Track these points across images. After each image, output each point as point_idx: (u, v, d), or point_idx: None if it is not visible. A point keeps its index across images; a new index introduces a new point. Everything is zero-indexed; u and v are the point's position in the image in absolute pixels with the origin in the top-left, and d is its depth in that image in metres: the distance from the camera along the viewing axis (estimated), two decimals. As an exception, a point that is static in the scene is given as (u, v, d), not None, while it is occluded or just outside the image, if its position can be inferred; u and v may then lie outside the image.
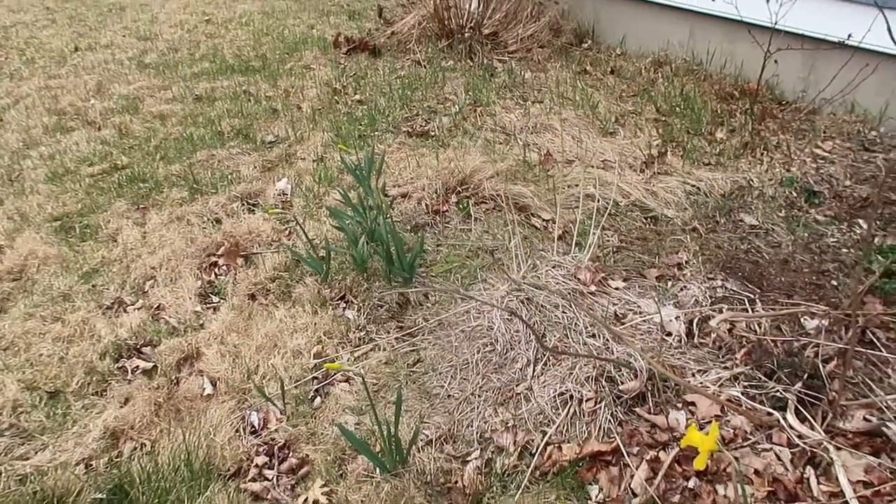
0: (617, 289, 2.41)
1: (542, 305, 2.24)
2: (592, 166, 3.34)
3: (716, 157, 3.44)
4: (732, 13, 4.01)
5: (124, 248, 2.72)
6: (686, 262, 2.64)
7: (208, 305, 2.43)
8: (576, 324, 2.19)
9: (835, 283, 2.51)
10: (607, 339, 2.12)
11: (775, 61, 3.57)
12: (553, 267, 2.44)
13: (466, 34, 4.81)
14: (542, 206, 2.92)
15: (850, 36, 3.24)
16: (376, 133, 3.62)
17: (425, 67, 4.49)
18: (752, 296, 2.46)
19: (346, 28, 5.36)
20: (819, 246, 2.79)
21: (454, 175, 2.97)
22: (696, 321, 2.28)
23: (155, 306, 2.43)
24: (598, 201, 3.03)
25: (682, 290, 2.47)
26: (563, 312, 2.22)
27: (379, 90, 4.13)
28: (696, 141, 3.61)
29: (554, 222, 2.85)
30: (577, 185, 3.16)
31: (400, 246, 2.36)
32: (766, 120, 3.75)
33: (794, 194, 3.15)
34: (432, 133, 3.58)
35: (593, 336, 2.15)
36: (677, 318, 2.29)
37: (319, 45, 4.95)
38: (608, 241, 2.72)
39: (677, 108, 3.94)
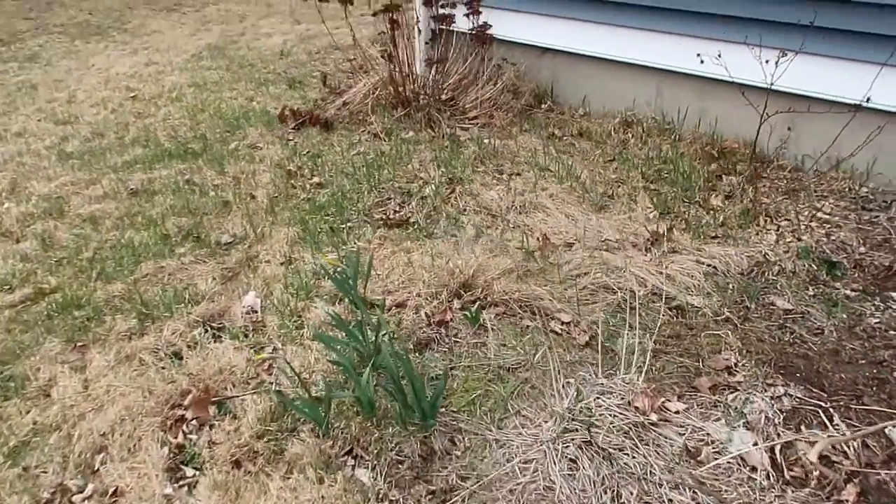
0: (677, 412, 2.02)
1: (604, 449, 1.81)
2: (595, 248, 2.98)
3: (720, 228, 3.14)
4: (708, 72, 3.79)
5: (62, 406, 2.13)
6: (736, 365, 2.28)
7: (181, 483, 1.89)
8: (650, 471, 1.77)
9: (898, 375, 2.20)
10: (694, 491, 1.71)
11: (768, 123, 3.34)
12: (602, 394, 2.03)
13: (423, 101, 4.44)
14: (559, 306, 2.52)
15: (868, 99, 3.02)
16: (347, 224, 3.15)
17: (385, 140, 4.08)
18: (822, 403, 2.11)
19: (288, 99, 4.89)
20: (864, 329, 2.49)
21: (454, 276, 2.54)
22: (778, 449, 1.90)
23: (111, 492, 1.86)
24: (617, 293, 2.65)
25: (744, 403, 2.10)
26: (632, 457, 1.80)
27: (339, 170, 3.68)
28: (695, 210, 3.32)
29: (577, 325, 2.45)
30: (586, 274, 2.78)
31: (417, 382, 1.89)
32: (758, 181, 3.50)
33: (815, 266, 2.87)
34: (412, 220, 3.14)
35: (677, 488, 1.73)
36: (755, 445, 1.91)
37: (263, 121, 4.46)
38: (642, 343, 2.34)
39: (664, 174, 3.66)
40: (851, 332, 2.49)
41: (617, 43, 4.20)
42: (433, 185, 3.43)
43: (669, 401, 2.07)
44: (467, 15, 4.33)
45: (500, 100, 4.60)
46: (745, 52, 3.34)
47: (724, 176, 3.66)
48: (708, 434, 1.95)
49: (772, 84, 3.18)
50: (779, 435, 1.95)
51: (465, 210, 3.26)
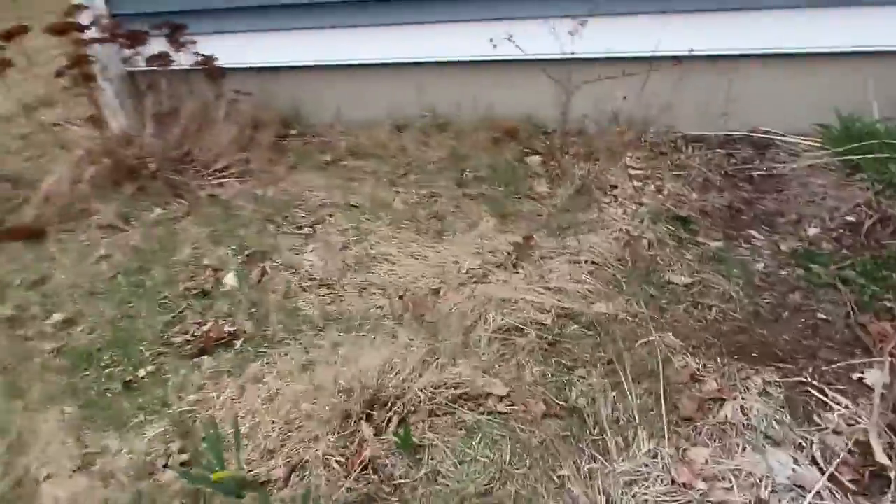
0: (706, 463, 1.65)
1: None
2: (465, 285, 2.50)
3: (566, 215, 2.87)
4: (460, 56, 3.49)
5: None
6: (699, 370, 2.00)
7: None
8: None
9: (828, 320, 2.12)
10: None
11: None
12: (632, 482, 1.57)
13: (153, 166, 3.47)
14: (482, 380, 1.99)
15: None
16: (146, 370, 2.23)
17: (128, 229, 3.07)
18: (801, 378, 1.93)
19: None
20: (760, 279, 2.40)
21: (353, 395, 1.86)
22: (824, 453, 1.65)
23: None
24: (528, 332, 2.21)
25: (742, 413, 1.82)
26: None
27: (87, 292, 2.65)
28: (530, 205, 3.01)
29: (518, 394, 1.96)
30: (476, 322, 2.29)
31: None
32: (563, 155, 3.31)
33: (672, 228, 2.74)
34: (235, 331, 2.33)
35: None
36: (786, 464, 1.63)
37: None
38: (610, 385, 1.94)
39: (472, 173, 3.29)
40: (753, 286, 2.37)
41: (361, 45, 3.68)
42: (233, 272, 2.60)
43: (687, 450, 1.69)
44: (174, 47, 3.43)
45: (244, 139, 3.79)
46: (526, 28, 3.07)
47: (525, 158, 3.41)
48: (751, 473, 1.61)
49: (572, 54, 2.95)
50: (806, 440, 1.69)
51: (292, 293, 2.52)
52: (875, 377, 1.87)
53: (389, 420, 1.87)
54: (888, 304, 2.20)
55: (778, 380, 1.92)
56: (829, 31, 3.13)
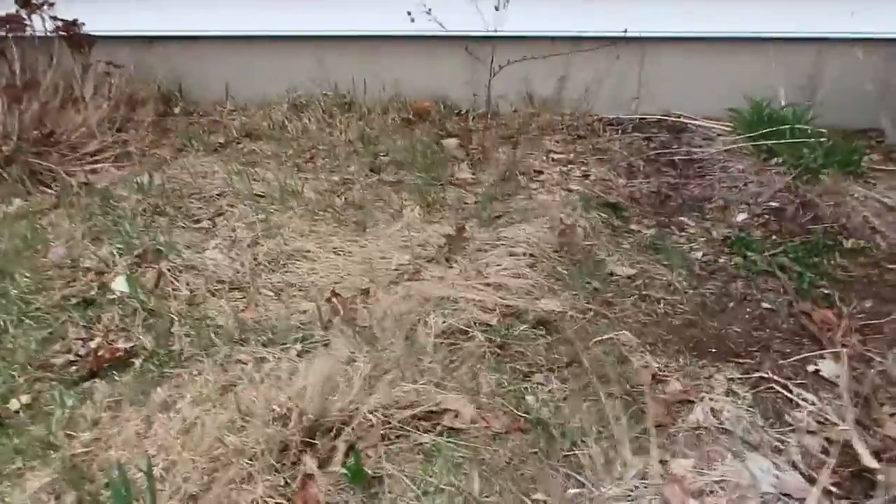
0: (690, 475, 1.54)
1: None
2: (396, 283, 2.26)
3: (497, 203, 2.69)
4: (369, 30, 3.21)
5: None
6: (660, 370, 1.89)
7: None
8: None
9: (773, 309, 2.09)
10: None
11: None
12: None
13: (6, 149, 2.93)
14: (436, 395, 1.78)
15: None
16: (20, 399, 1.81)
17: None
18: (762, 373, 1.87)
19: None
20: (700, 268, 2.35)
21: (289, 422, 1.59)
22: (804, 456, 1.58)
23: None
24: (473, 335, 2.01)
25: (714, 416, 1.73)
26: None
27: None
28: (454, 192, 2.80)
29: (478, 409, 1.76)
30: (416, 325, 2.06)
31: None
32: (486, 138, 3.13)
33: (604, 215, 2.64)
34: (132, 349, 1.95)
35: None
36: (767, 470, 1.56)
37: None
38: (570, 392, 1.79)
39: (386, 157, 3.03)
40: (694, 276, 2.32)
41: (250, 14, 3.29)
42: (123, 276, 2.20)
43: (667, 462, 1.57)
44: (28, 9, 2.87)
45: (119, 118, 3.30)
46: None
47: (441, 140, 3.20)
48: (737, 485, 1.51)
49: (495, 31, 2.75)
50: (782, 442, 1.62)
51: (197, 298, 2.16)
52: (831, 369, 1.84)
53: (335, 449, 1.60)
54: (825, 291, 2.20)
55: (740, 377, 1.85)
56: (738, 17, 3.14)
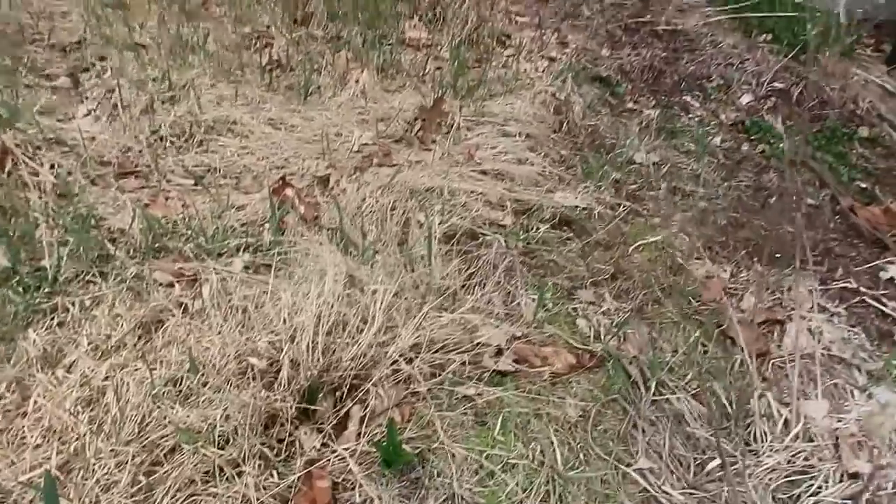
0: (824, 419, 1.17)
1: None
2: (365, 169, 1.65)
3: (469, 73, 2.10)
4: None
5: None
6: (733, 278, 1.49)
7: None
8: None
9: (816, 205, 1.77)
10: None
11: None
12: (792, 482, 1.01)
13: None
14: (483, 326, 1.25)
15: None
16: None
17: None
18: (847, 283, 1.53)
19: None
20: (725, 156, 1.96)
21: (273, 376, 1.00)
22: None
23: None
24: (482, 233, 1.48)
25: (812, 337, 1.37)
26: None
27: None
28: (408, 55, 2.16)
29: (525, 341, 1.26)
30: (407, 223, 1.50)
31: None
32: None
33: (598, 90, 2.16)
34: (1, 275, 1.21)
35: None
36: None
37: None
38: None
39: (317, 9, 2.30)
40: (722, 166, 1.92)
41: None
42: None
43: (798, 405, 1.18)
44: None
45: None
46: None
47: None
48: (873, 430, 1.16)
49: None
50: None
51: (73, 189, 1.42)
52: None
53: (348, 417, 1.03)
54: (862, 185, 1.89)
55: (820, 288, 1.48)
56: None
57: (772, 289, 1.46)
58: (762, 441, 1.08)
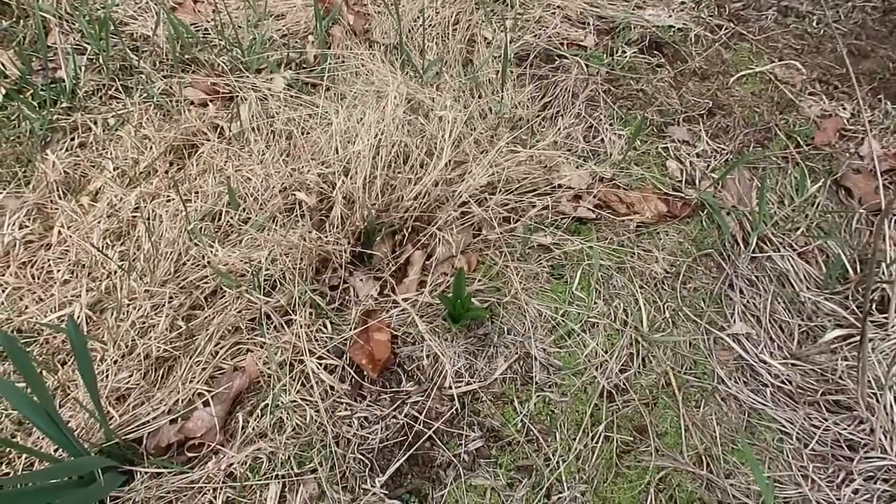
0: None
1: None
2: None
3: None
4: None
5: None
6: (850, 124, 1.25)
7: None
8: None
9: None
10: None
11: None
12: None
13: None
14: (553, 161, 1.06)
15: None
16: None
17: None
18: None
19: None
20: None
21: (329, 221, 0.84)
22: None
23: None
24: (574, 68, 1.24)
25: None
26: None
27: None
28: None
29: (587, 195, 1.07)
30: (486, 44, 1.25)
31: None
32: None
33: None
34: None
35: None
36: None
37: None
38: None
39: None
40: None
41: None
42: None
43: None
44: None
45: None
46: None
47: None
48: None
49: None
50: None
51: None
52: None
53: (409, 263, 0.88)
54: None
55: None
56: None
57: (898, 133, 1.21)
58: (893, 311, 0.91)
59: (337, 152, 0.89)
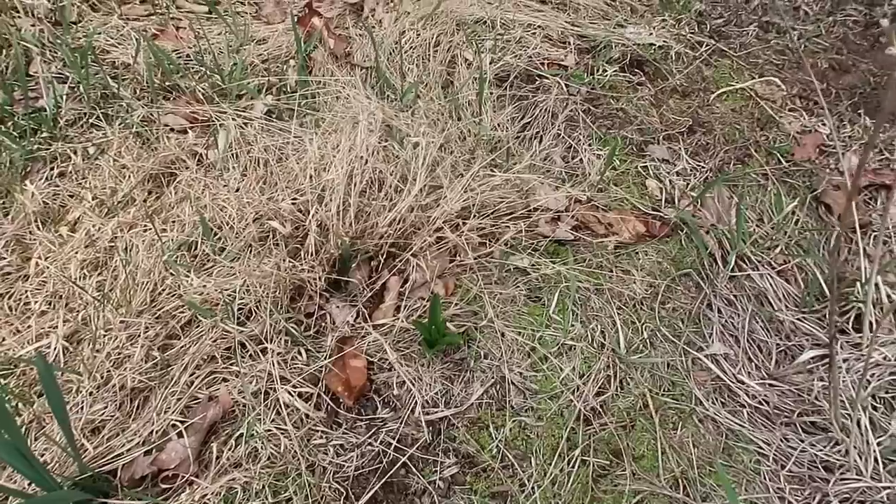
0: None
1: None
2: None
3: None
4: None
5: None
6: (829, 139, 1.25)
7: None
8: None
9: None
10: None
11: None
12: None
13: None
14: (532, 183, 1.06)
15: None
16: None
17: None
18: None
19: None
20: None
21: (304, 248, 0.84)
22: None
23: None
24: (554, 88, 1.25)
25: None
26: None
27: None
28: None
29: (564, 214, 1.07)
30: (466, 65, 1.26)
31: None
32: None
33: None
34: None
35: None
36: None
37: None
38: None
39: None
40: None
41: None
42: None
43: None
44: None
45: None
46: None
47: None
48: None
49: None
50: None
51: (69, 16, 1.20)
52: None
53: (385, 290, 0.89)
54: None
55: None
56: None
57: (879, 147, 1.22)
58: (867, 331, 0.91)
59: (311, 180, 0.89)
